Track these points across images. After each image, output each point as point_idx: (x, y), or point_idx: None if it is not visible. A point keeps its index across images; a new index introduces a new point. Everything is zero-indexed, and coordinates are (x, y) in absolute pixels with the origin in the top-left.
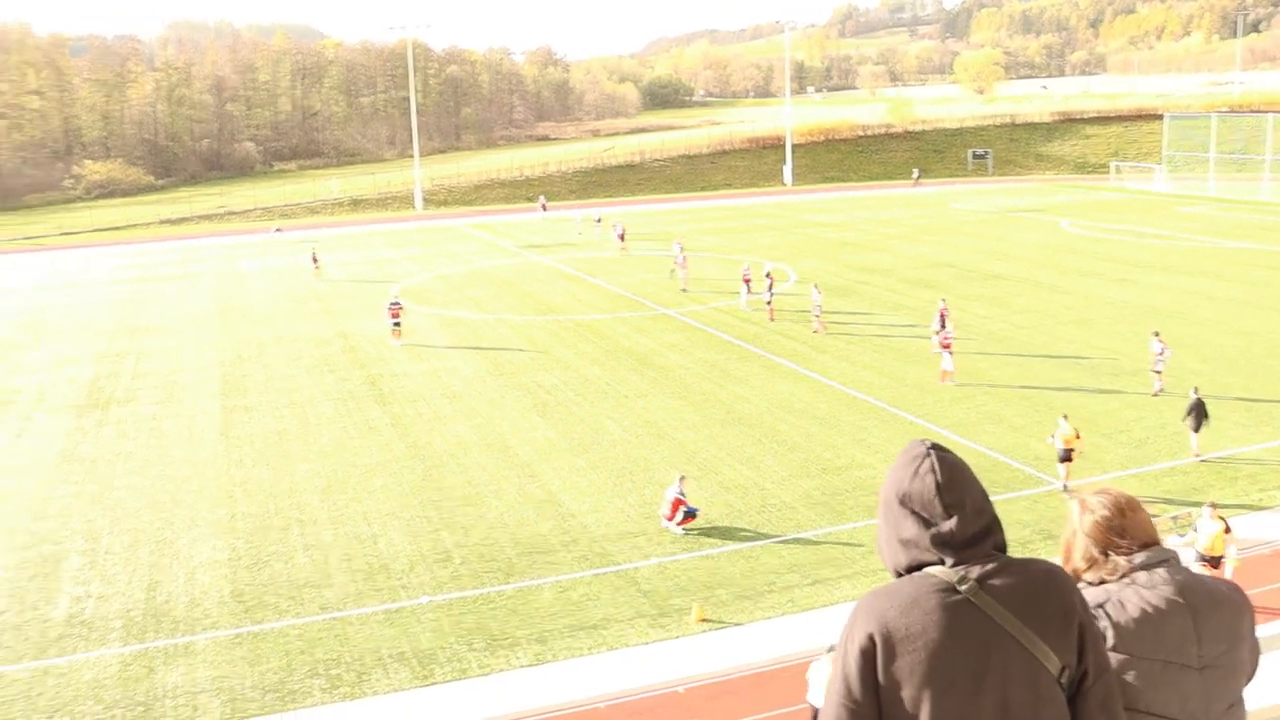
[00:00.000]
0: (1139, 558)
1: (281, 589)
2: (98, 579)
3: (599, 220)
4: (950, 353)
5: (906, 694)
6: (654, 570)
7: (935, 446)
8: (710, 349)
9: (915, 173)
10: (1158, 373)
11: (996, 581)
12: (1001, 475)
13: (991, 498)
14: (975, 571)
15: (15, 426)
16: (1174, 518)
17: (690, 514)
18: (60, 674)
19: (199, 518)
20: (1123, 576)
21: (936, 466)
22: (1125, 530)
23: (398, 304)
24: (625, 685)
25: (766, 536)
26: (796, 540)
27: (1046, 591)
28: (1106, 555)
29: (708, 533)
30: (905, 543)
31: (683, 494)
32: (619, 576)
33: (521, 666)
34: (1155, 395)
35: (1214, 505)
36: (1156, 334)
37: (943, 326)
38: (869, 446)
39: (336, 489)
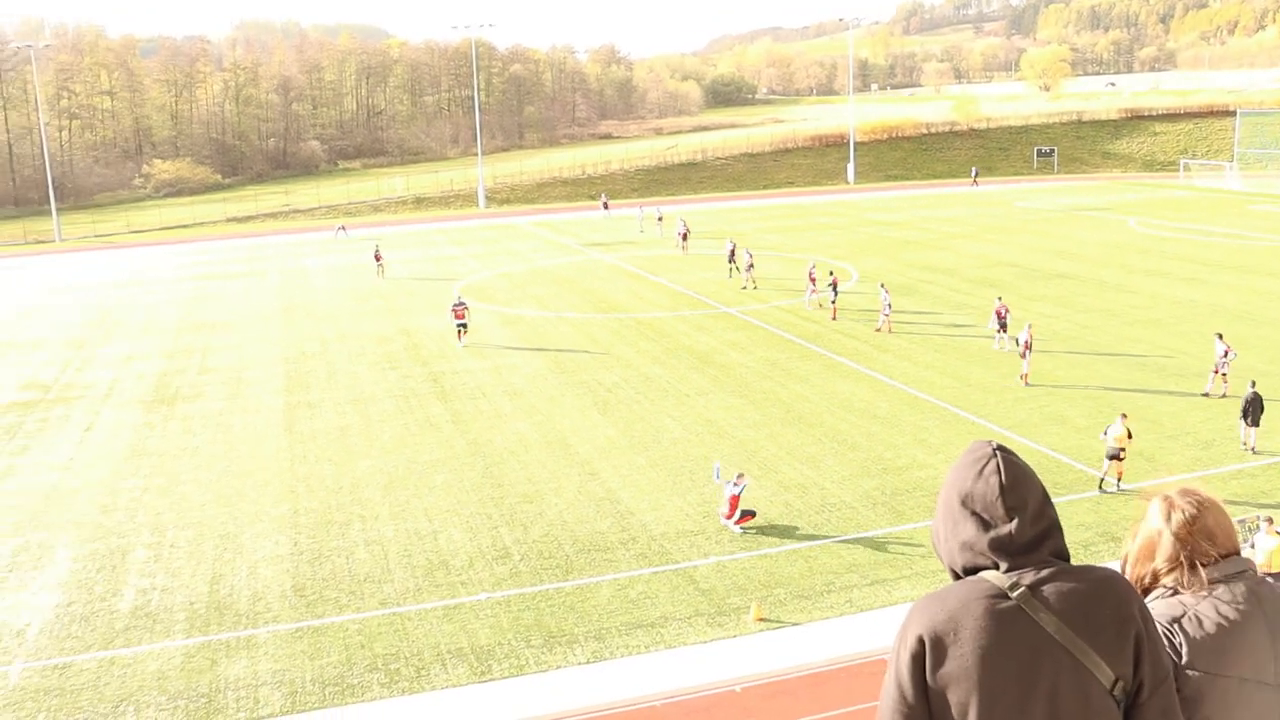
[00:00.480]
0: (1221, 569)
1: (342, 584)
2: (163, 572)
3: (660, 218)
4: (1027, 354)
5: (954, 700)
6: (712, 569)
7: (1000, 448)
8: (771, 347)
9: (974, 171)
10: (1223, 375)
11: (1050, 589)
12: (1065, 477)
13: (1054, 500)
14: (1029, 578)
15: (85, 421)
16: (1240, 521)
17: (748, 513)
18: (126, 664)
19: (262, 512)
20: (1203, 589)
21: (1001, 468)
22: (1213, 534)
23: (462, 304)
24: (682, 684)
25: (825, 536)
26: (856, 540)
27: (1101, 600)
28: (1192, 563)
29: (766, 532)
30: (964, 544)
31: (740, 491)
32: (677, 575)
33: (579, 664)
34: (1204, 395)
35: (1270, 520)
36: (1220, 335)
37: (1002, 327)
38: (930, 446)
39: (397, 485)
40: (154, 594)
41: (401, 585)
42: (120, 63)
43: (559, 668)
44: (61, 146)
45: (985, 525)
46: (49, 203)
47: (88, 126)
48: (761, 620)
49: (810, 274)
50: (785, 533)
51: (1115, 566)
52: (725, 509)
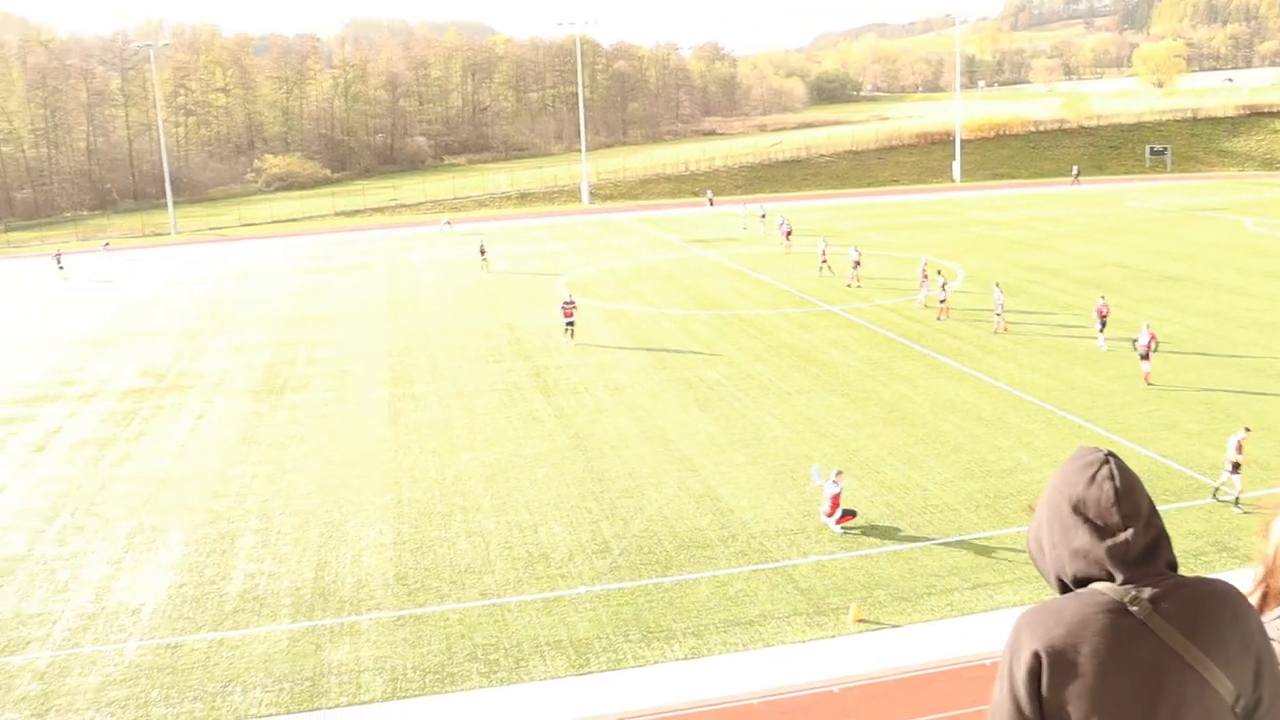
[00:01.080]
0: None
1: (444, 574)
2: (270, 557)
3: (764, 215)
4: (1150, 355)
5: (1074, 717)
6: (812, 568)
7: (1111, 453)
8: (874, 347)
9: (1075, 170)
10: None
11: (1170, 602)
12: (1174, 484)
13: (1164, 508)
14: (1147, 591)
15: (197, 409)
16: None
17: (849, 513)
18: (234, 646)
19: (366, 502)
20: None
21: (1115, 473)
22: None
23: (571, 303)
24: (779, 683)
25: (927, 538)
26: (958, 543)
27: (1222, 615)
28: None
29: (867, 532)
30: (1076, 553)
31: (840, 489)
32: (776, 573)
33: (676, 660)
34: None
35: None
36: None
37: (1102, 327)
38: (1035, 450)
39: (499, 477)
40: (261, 578)
41: (502, 577)
42: (234, 60)
43: (656, 663)
44: (178, 142)
45: (1100, 533)
46: (165, 197)
47: (203, 123)
48: (861, 621)
49: (923, 272)
50: (886, 534)
51: (1226, 577)
52: (826, 507)
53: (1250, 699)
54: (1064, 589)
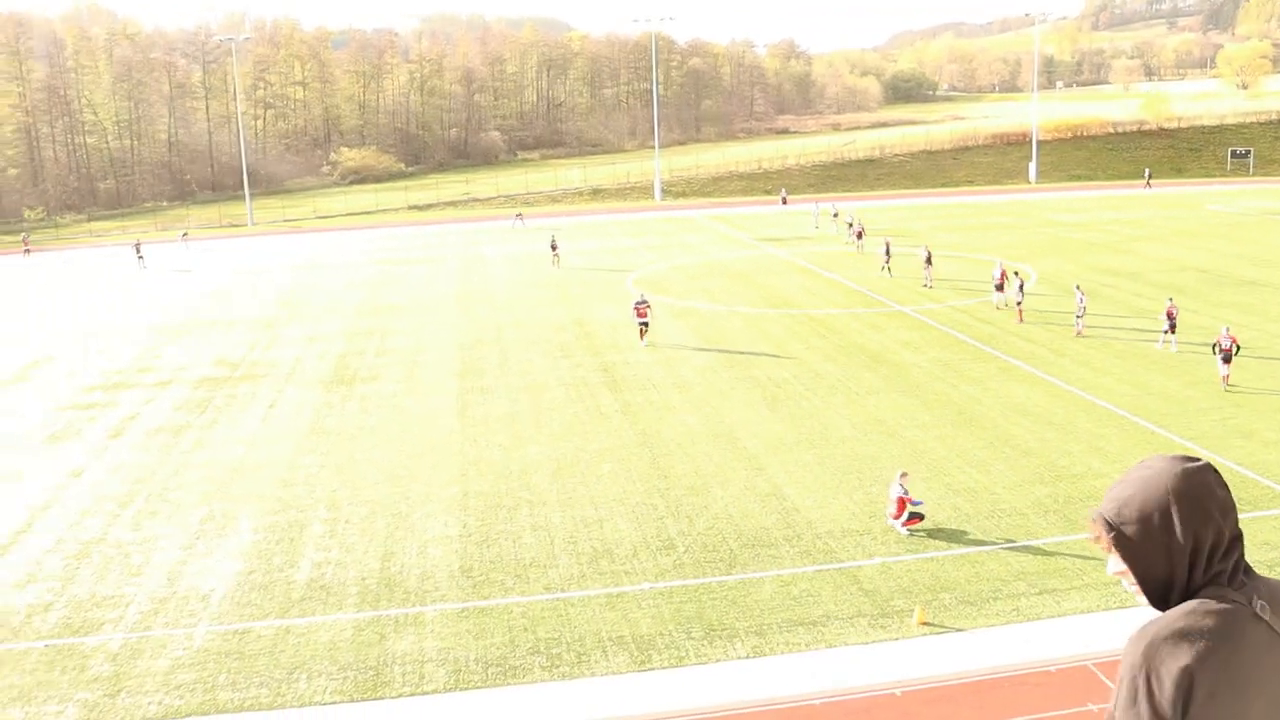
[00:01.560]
0: None
1: (508, 567)
2: (337, 546)
3: (836, 214)
4: (1231, 358)
5: None
6: (876, 570)
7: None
8: (944, 348)
9: (1147, 173)
10: None
11: (1271, 603)
12: (1250, 493)
13: (1240, 517)
14: (1260, 592)
15: (269, 398)
16: None
17: (916, 515)
18: (300, 634)
19: (433, 494)
20: None
21: (1217, 481)
22: None
23: (644, 303)
24: (842, 684)
25: (994, 542)
26: (1026, 548)
27: None
28: None
29: (933, 535)
30: (1194, 558)
31: (906, 490)
32: (841, 574)
33: (739, 658)
34: None
35: None
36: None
37: (1171, 328)
38: (1106, 455)
39: (565, 472)
40: (328, 568)
41: (566, 571)
42: (313, 54)
43: (719, 661)
44: (256, 135)
45: (1216, 539)
46: (243, 188)
47: (280, 116)
48: (925, 624)
49: (1000, 274)
50: (953, 536)
51: None
52: (893, 509)
53: None
54: (1162, 594)
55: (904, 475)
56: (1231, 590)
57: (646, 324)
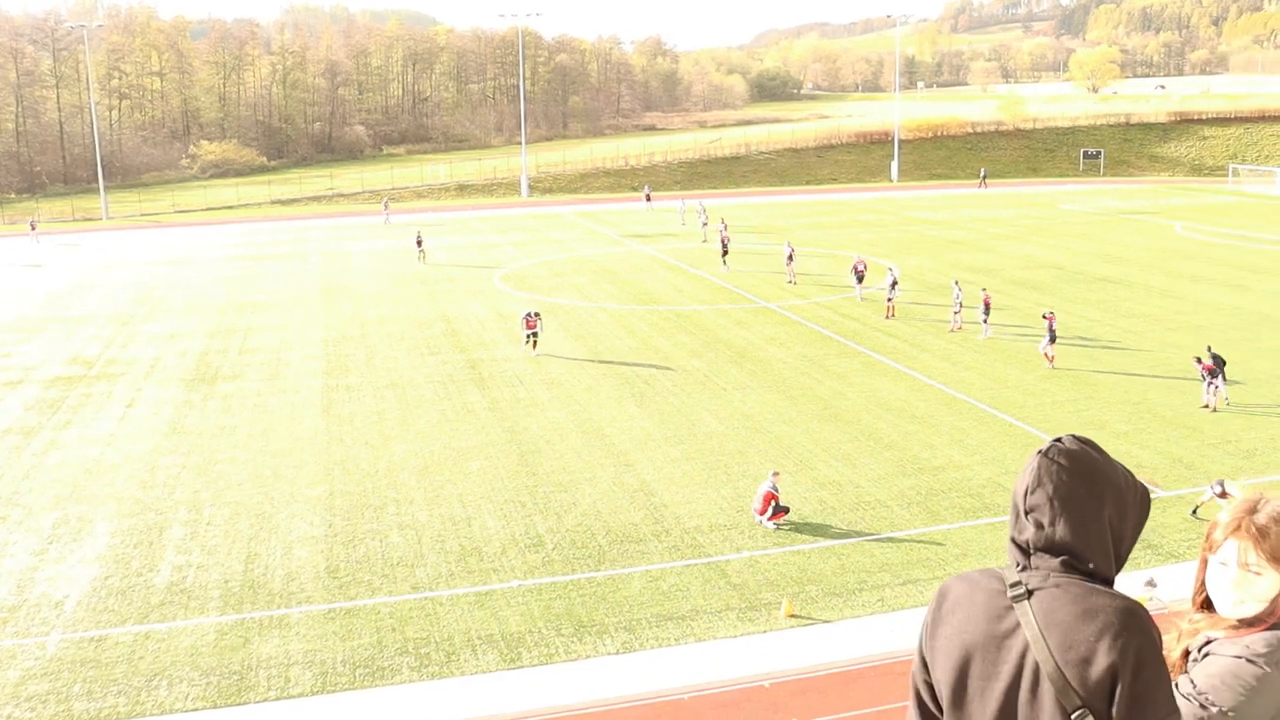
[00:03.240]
0: None
1: (375, 566)
2: (199, 549)
3: (704, 210)
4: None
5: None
6: (744, 563)
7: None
8: (809, 344)
9: (982, 172)
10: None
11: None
12: None
13: None
14: (1035, 580)
15: (127, 396)
16: None
17: (781, 510)
18: (160, 639)
19: (298, 493)
20: None
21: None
22: None
23: (534, 315)
24: (711, 677)
25: (859, 534)
26: (889, 539)
27: (1089, 624)
28: None
29: (800, 528)
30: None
31: (776, 489)
32: (709, 568)
33: (609, 654)
34: (1204, 408)
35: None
36: (1209, 348)
37: (986, 314)
38: (967, 447)
39: (433, 470)
40: (190, 571)
41: (434, 570)
42: (171, 44)
43: (589, 657)
44: (111, 126)
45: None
46: (97, 181)
47: (137, 106)
48: (792, 616)
49: (855, 268)
50: (819, 530)
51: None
52: (758, 504)
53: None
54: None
55: (776, 474)
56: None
57: (535, 335)
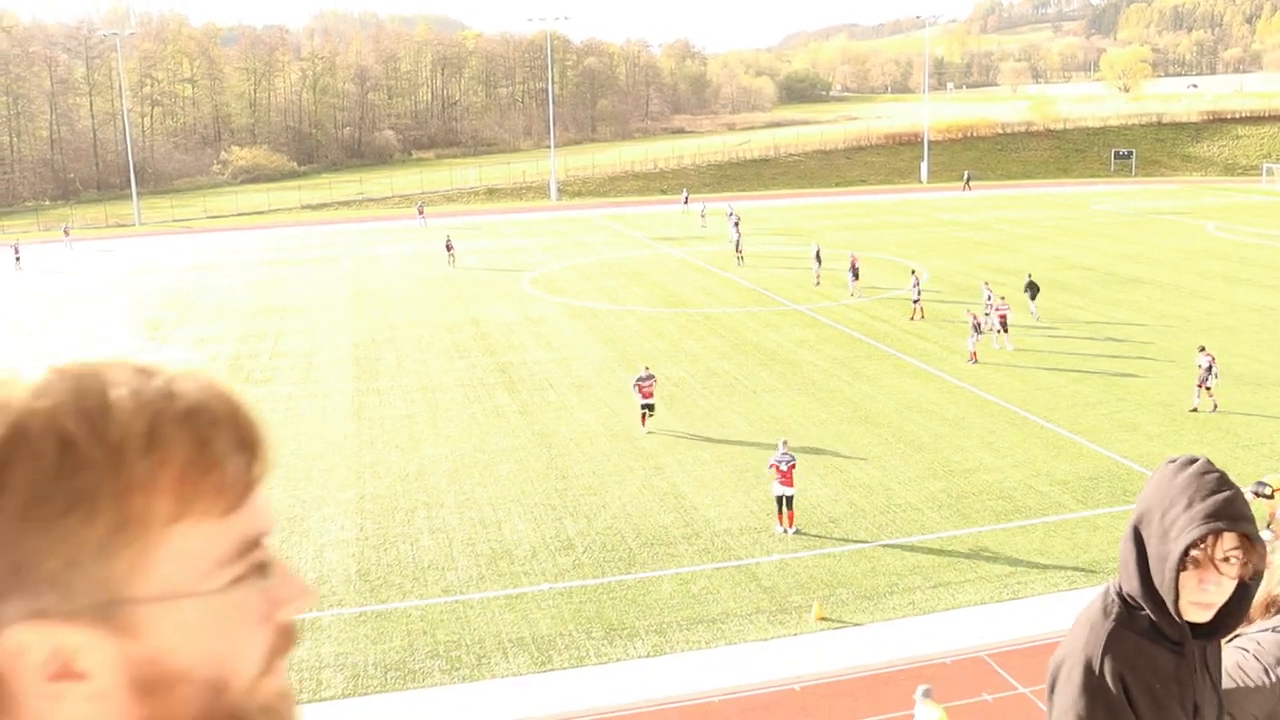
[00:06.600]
0: None
1: (406, 570)
2: None
3: (731, 213)
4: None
5: None
6: (775, 566)
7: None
8: (840, 346)
9: (966, 175)
10: (1207, 389)
11: None
12: (1135, 485)
13: (1127, 508)
14: None
15: None
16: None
17: (787, 471)
18: None
19: (329, 497)
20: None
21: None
22: None
23: (650, 378)
24: (741, 680)
25: (889, 537)
26: (920, 542)
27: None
28: None
29: (830, 531)
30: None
31: (785, 457)
32: (739, 571)
33: (639, 657)
34: (1192, 411)
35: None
36: (1202, 348)
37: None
38: (998, 450)
39: (463, 474)
40: None
41: (465, 573)
42: (201, 51)
43: (619, 660)
44: (143, 132)
45: None
46: (130, 187)
47: (169, 113)
48: (823, 619)
49: (851, 266)
50: (849, 533)
51: None
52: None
53: None
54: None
55: (785, 442)
56: None
57: (652, 406)
